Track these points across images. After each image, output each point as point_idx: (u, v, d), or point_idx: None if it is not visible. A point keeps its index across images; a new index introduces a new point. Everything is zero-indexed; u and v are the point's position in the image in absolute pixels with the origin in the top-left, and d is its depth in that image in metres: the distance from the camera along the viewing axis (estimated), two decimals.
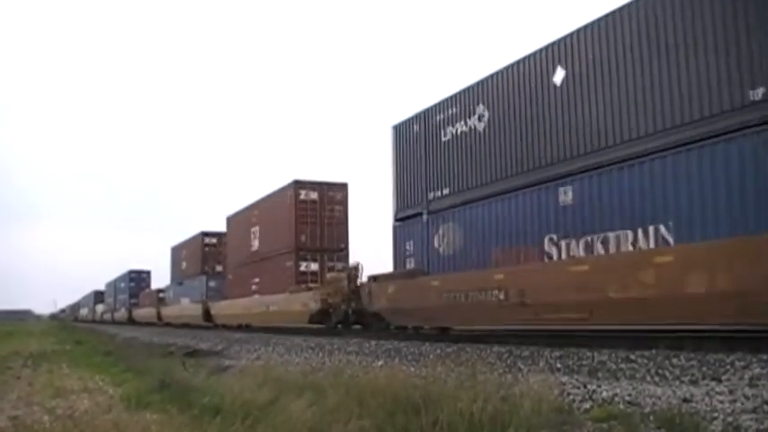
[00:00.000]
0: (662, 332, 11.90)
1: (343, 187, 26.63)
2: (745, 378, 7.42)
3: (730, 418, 5.66)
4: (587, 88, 12.54)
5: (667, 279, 10.15)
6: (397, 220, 18.53)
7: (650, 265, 10.48)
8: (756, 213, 9.58)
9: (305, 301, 22.74)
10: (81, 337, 33.69)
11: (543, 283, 12.46)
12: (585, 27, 12.69)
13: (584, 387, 7.64)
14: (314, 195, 25.78)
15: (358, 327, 20.88)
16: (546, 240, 13.12)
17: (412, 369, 9.61)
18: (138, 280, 61.09)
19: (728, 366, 8.08)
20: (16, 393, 10.82)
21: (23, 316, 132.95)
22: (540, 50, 13.74)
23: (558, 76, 13.18)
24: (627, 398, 6.84)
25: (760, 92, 9.65)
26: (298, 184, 25.90)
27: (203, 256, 39.81)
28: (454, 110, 16.36)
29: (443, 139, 16.69)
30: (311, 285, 23.72)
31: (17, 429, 7.21)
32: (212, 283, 36.48)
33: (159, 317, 45.65)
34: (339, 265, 24.95)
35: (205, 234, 40.34)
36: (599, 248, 11.91)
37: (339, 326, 21.50)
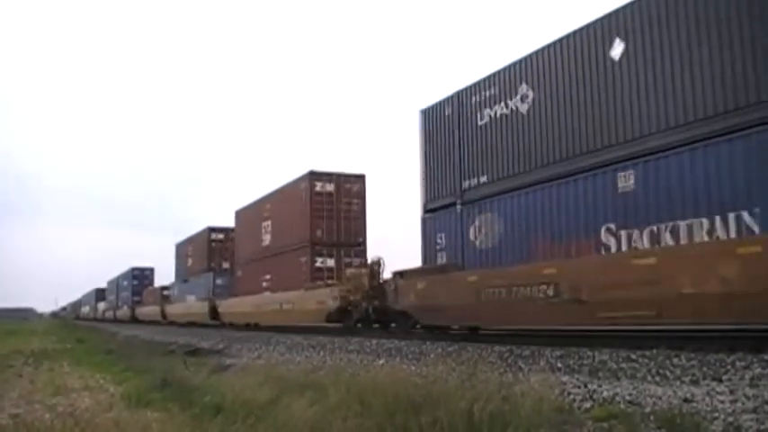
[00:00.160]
0: (663, 332, 11.89)
1: (360, 179, 25.21)
2: (746, 378, 7.43)
3: (731, 418, 5.66)
4: (651, 62, 11.34)
5: (755, 272, 9.00)
6: (426, 211, 17.31)
7: (733, 256, 9.35)
8: None
9: (322, 299, 21.55)
10: (82, 336, 33.78)
11: (602, 277, 11.25)
12: None
13: (585, 386, 7.64)
14: (330, 187, 24.43)
15: (376, 326, 19.78)
16: (603, 231, 12.02)
17: (413, 368, 9.63)
18: (140, 277, 60.00)
19: (729, 366, 8.08)
20: (17, 391, 10.83)
21: (25, 314, 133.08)
22: (595, 22, 12.54)
23: (617, 49, 12.01)
24: (627, 397, 6.85)
25: None
26: (313, 176, 24.49)
27: (210, 253, 38.28)
28: (493, 90, 15.13)
29: (480, 122, 15.47)
30: (329, 282, 22.54)
31: (18, 427, 7.22)
32: (219, 281, 35.19)
33: (163, 315, 44.76)
34: (356, 261, 23.75)
35: (212, 229, 38.80)
36: (667, 239, 10.81)
37: (359, 325, 20.20)
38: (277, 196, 27.98)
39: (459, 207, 15.88)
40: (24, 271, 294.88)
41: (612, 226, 11.85)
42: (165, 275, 53.80)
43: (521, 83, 14.32)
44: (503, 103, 14.81)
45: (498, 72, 15.08)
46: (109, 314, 69.63)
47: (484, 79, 15.52)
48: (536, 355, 10.84)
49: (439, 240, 16.53)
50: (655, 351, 9.40)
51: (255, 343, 19.88)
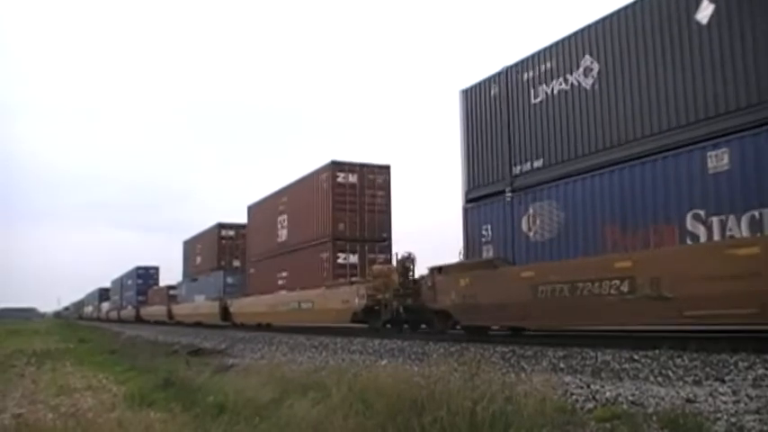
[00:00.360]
0: (665, 332, 11.88)
1: (385, 170, 23.63)
2: (749, 379, 7.42)
3: (734, 419, 5.66)
4: (749, 22, 9.96)
5: None
6: (468, 200, 15.95)
7: None
8: None
9: (346, 298, 19.93)
10: (85, 336, 33.88)
11: (690, 270, 9.84)
12: None
13: (588, 387, 7.64)
14: (353, 178, 22.89)
15: (405, 327, 18.69)
16: (689, 217, 10.72)
17: (415, 368, 9.61)
18: (145, 277, 58.55)
19: (732, 367, 8.08)
20: (20, 391, 10.83)
21: (28, 314, 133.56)
22: None
23: (704, 12, 10.68)
24: (630, 398, 6.84)
25: None
26: (335, 166, 22.97)
27: (220, 250, 36.95)
28: (549, 65, 13.77)
29: (534, 100, 14.12)
30: (354, 279, 20.73)
31: (21, 427, 7.23)
32: (230, 279, 33.86)
33: (170, 315, 43.49)
34: (381, 258, 22.38)
35: (222, 226, 37.35)
36: None
37: (387, 326, 18.80)
38: (295, 188, 26.43)
39: (508, 195, 14.56)
40: (27, 271, 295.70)
41: (701, 212, 10.57)
42: (169, 276, 53.43)
43: (584, 54, 12.98)
44: (561, 79, 13.48)
45: (555, 44, 13.76)
46: (113, 314, 68.65)
47: (538, 53, 14.19)
48: (539, 355, 10.84)
49: (484, 232, 15.19)
50: (657, 351, 9.40)
51: (258, 343, 19.90)
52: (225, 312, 32.01)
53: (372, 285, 18.87)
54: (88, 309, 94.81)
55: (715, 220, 10.41)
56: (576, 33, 13.26)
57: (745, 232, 10.00)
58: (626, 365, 9.00)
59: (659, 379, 8.00)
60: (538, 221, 13.69)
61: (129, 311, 59.22)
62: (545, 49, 13.97)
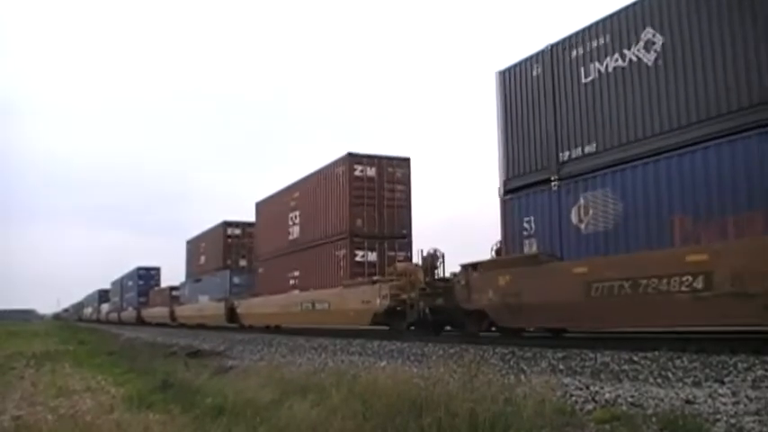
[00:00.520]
0: (665, 334, 11.88)
1: (405, 162, 22.32)
2: (749, 380, 7.42)
3: (733, 420, 5.66)
4: None
5: None
6: (506, 191, 14.79)
7: None
8: None
9: (367, 298, 18.58)
10: (84, 338, 33.87)
11: None
12: None
13: (587, 388, 7.64)
14: (371, 172, 21.57)
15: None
16: None
17: (415, 370, 9.61)
18: (146, 277, 57.24)
19: (731, 368, 8.08)
20: (19, 393, 10.80)
21: (27, 316, 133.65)
22: None
23: None
24: (630, 399, 6.84)
25: None
26: (352, 158, 21.62)
27: (225, 249, 35.56)
28: (602, 40, 12.61)
29: (584, 80, 12.97)
30: (376, 278, 19.29)
31: (20, 429, 7.23)
32: (237, 279, 32.61)
33: (173, 317, 42.37)
34: (401, 255, 21.16)
35: (228, 224, 35.97)
36: None
37: (412, 328, 17.55)
38: (308, 183, 25.08)
39: (555, 184, 13.43)
40: (25, 272, 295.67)
41: None
42: (169, 277, 52.80)
43: (644, 27, 11.84)
44: (617, 55, 12.33)
45: (609, 17, 12.61)
46: (113, 316, 67.50)
47: (588, 28, 13.06)
48: (538, 356, 10.84)
49: (526, 225, 14.04)
50: (657, 353, 9.41)
51: (257, 345, 19.90)
52: (231, 314, 30.87)
53: (396, 284, 17.66)
54: (88, 310, 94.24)
55: None
56: (634, 4, 12.09)
57: None
58: (625, 367, 9.00)
59: (659, 380, 8.00)
60: (590, 212, 12.58)
61: (129, 313, 58.26)
62: (596, 24, 12.86)
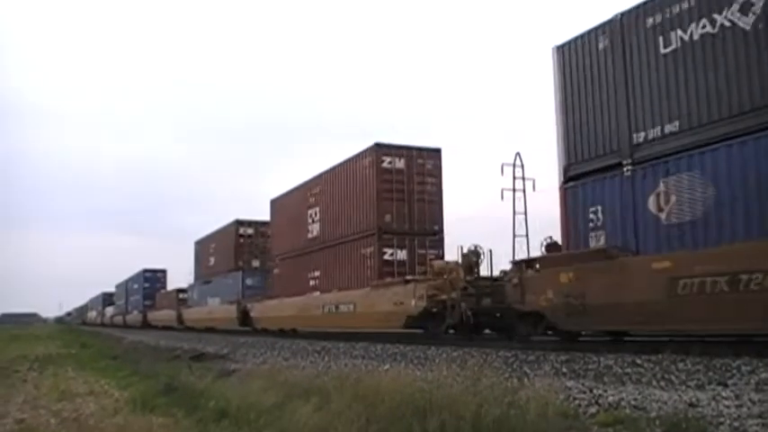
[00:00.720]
0: (667, 336, 11.87)
1: (435, 153, 20.86)
2: (752, 383, 7.42)
3: (736, 423, 5.66)
4: None
5: None
6: (567, 179, 13.55)
7: None
8: None
9: (399, 299, 17.27)
10: (87, 341, 33.90)
11: None
12: None
13: (591, 391, 7.64)
14: (400, 163, 20.13)
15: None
16: None
17: (418, 373, 9.62)
18: (152, 280, 56.42)
19: (735, 371, 8.09)
20: (22, 396, 10.86)
21: (30, 319, 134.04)
22: None
23: None
24: (633, 402, 6.84)
25: None
26: (380, 149, 20.21)
27: (237, 250, 34.19)
28: (685, 4, 11.36)
29: (663, 50, 11.68)
30: (410, 277, 17.89)
31: None
32: (250, 281, 31.40)
33: (180, 320, 41.34)
34: (432, 253, 19.71)
35: (240, 223, 34.57)
36: None
37: (450, 331, 16.30)
38: (330, 177, 23.58)
39: (628, 169, 12.17)
40: (28, 276, 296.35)
41: None
42: (174, 280, 52.49)
43: None
44: (705, 20, 11.02)
45: None
46: (118, 319, 67.03)
47: None
48: (541, 359, 10.84)
49: (592, 216, 12.78)
50: (660, 356, 9.40)
51: (260, 348, 19.90)
52: (244, 317, 29.64)
53: (434, 284, 16.38)
54: (92, 314, 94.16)
55: None
56: None
57: None
58: (628, 370, 9.00)
59: (662, 383, 8.00)
60: (673, 199, 11.26)
61: (135, 316, 57.57)
62: None
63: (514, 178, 22.45)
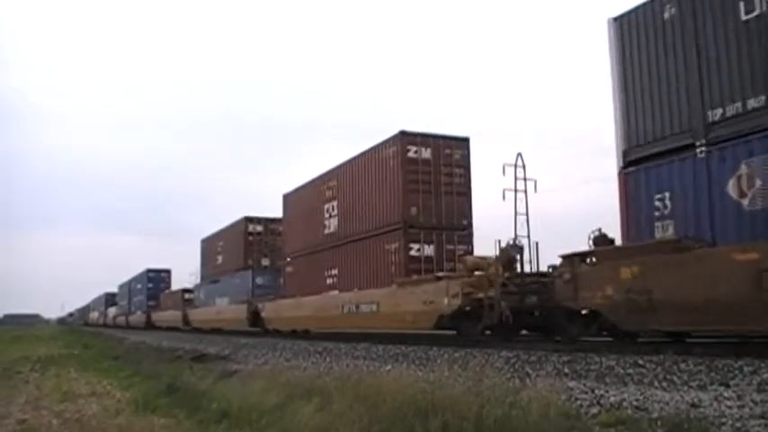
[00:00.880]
0: (669, 336, 11.87)
1: (463, 143, 19.64)
2: (754, 383, 7.41)
3: (738, 424, 5.65)
4: None
5: None
6: (627, 163, 12.50)
7: None
8: None
9: (430, 298, 16.09)
10: (89, 342, 33.95)
11: None
12: None
13: (592, 392, 7.64)
14: (426, 153, 18.93)
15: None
16: None
17: (419, 374, 9.62)
18: (156, 280, 55.44)
19: (737, 371, 8.08)
20: (24, 397, 10.88)
21: (31, 320, 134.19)
22: None
23: None
24: (635, 403, 6.84)
25: None
26: (405, 138, 18.95)
27: (247, 248, 33.01)
28: None
29: (744, 16, 10.47)
30: (441, 274, 16.81)
31: None
32: (260, 280, 30.30)
33: (186, 321, 40.22)
34: (461, 249, 18.67)
35: (249, 220, 33.34)
36: None
37: (487, 332, 15.20)
38: (350, 169, 22.28)
39: (701, 150, 11.07)
40: (29, 277, 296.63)
41: None
42: (178, 280, 51.92)
43: None
44: None
45: None
46: (120, 320, 66.02)
47: None
48: (543, 360, 10.84)
49: (658, 204, 11.70)
50: (662, 356, 9.39)
51: (261, 349, 19.91)
52: (255, 317, 28.50)
53: (469, 281, 15.20)
54: (94, 314, 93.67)
55: None
56: None
57: None
58: (630, 370, 8.99)
59: (664, 384, 7.99)
60: (757, 183, 10.18)
61: (138, 317, 56.65)
62: None
63: (516, 179, 22.45)
